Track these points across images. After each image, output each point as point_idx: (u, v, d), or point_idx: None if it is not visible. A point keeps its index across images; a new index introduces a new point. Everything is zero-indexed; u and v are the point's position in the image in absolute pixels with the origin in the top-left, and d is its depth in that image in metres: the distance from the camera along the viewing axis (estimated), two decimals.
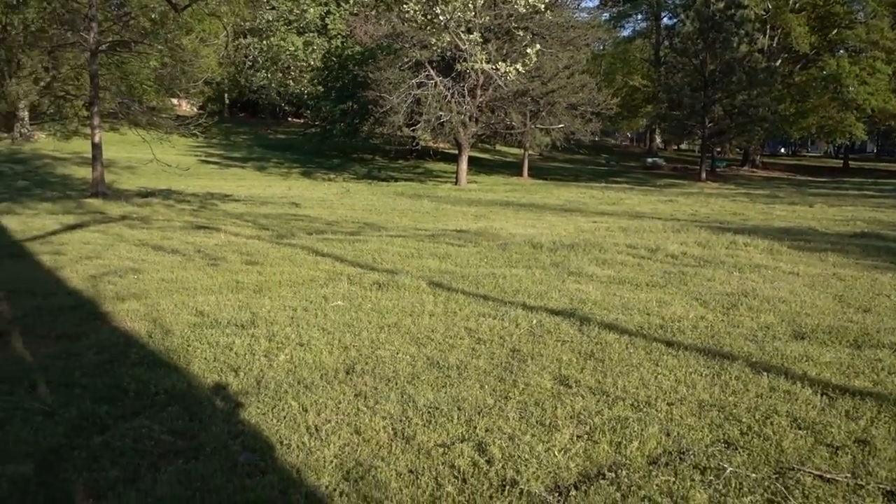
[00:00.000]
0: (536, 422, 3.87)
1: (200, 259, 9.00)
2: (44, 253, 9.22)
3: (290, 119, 59.76)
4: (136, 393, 4.18)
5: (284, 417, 3.87)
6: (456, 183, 32.23)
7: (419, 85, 30.43)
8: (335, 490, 3.13)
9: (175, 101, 39.24)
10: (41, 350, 5.07)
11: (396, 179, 34.42)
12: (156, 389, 4.23)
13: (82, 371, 4.56)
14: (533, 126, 35.73)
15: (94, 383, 4.34)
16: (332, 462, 3.38)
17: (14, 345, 5.20)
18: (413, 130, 32.27)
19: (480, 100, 32.07)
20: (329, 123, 40.98)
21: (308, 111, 46.76)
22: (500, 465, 3.36)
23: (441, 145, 43.81)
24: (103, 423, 3.77)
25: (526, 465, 3.34)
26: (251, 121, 58.74)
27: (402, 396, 4.20)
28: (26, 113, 36.50)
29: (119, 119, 24.13)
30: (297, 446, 3.54)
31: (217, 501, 3.02)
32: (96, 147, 19.41)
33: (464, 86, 30.93)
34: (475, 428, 3.77)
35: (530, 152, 41.47)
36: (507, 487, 3.15)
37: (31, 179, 24.10)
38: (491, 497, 3.08)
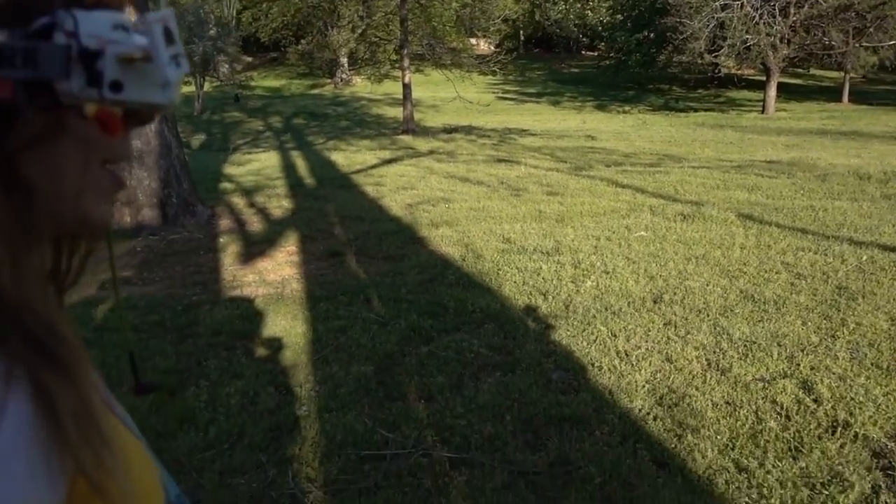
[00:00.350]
0: (871, 364, 3.52)
1: (504, 190, 9.36)
2: (367, 184, 10.19)
3: (583, 52, 59.11)
4: (454, 310, 4.51)
5: (594, 341, 3.94)
6: (763, 111, 29.70)
7: (723, 7, 28.24)
8: (648, 413, 3.13)
9: (474, 41, 40.67)
10: (371, 269, 5.66)
11: (696, 110, 32.56)
12: (472, 308, 4.53)
13: (407, 288, 5.02)
14: (857, 45, 31.52)
15: (417, 299, 4.76)
16: (643, 387, 3.38)
17: (349, 263, 5.87)
18: (715, 57, 30.16)
19: (794, 19, 28.94)
20: (624, 54, 39.79)
21: (602, 43, 45.82)
22: (830, 405, 3.12)
23: (745, 72, 40.54)
24: (428, 335, 4.13)
25: (860, 408, 3.07)
26: (545, 56, 59.06)
27: (715, 328, 4.05)
28: (345, 60, 40.29)
29: (424, 60, 25.61)
30: (609, 369, 3.59)
31: (533, 413, 3.18)
32: (406, 87, 20.82)
33: (774, 4, 28.12)
34: (798, 365, 3.53)
35: (852, 75, 36.74)
36: (839, 429, 2.92)
37: (351, 119, 26.58)
38: (819, 437, 2.88)
